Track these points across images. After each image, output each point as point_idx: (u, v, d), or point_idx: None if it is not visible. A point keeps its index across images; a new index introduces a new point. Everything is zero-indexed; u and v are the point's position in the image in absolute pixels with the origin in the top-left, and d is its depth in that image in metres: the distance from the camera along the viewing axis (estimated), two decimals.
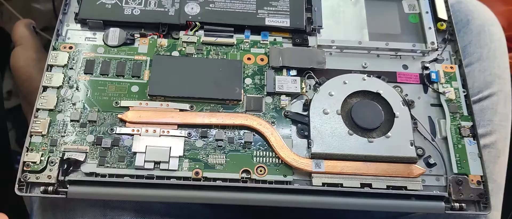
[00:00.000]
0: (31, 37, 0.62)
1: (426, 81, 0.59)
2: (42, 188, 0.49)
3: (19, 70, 0.61)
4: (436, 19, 0.63)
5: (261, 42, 0.60)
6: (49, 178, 0.49)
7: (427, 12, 0.63)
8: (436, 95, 0.58)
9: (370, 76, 0.57)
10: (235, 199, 0.50)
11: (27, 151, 0.50)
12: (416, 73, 0.59)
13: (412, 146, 0.53)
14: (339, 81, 0.57)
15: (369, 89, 0.56)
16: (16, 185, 0.49)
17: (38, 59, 0.62)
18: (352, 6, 0.64)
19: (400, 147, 0.53)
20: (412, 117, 0.55)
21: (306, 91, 0.57)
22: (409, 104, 0.56)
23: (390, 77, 0.59)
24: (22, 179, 0.49)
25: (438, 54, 0.61)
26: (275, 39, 0.60)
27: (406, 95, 0.58)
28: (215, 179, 0.51)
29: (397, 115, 0.55)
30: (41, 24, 0.99)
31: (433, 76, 0.58)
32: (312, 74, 0.57)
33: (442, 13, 0.63)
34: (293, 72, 0.57)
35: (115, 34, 0.58)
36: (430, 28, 0.62)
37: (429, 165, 0.54)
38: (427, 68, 0.60)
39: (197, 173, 0.51)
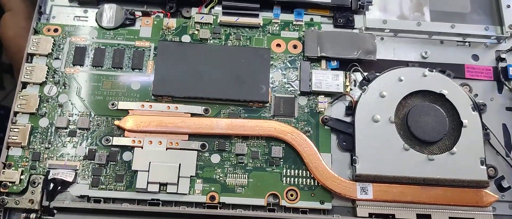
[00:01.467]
0: (21, 1, 0.55)
1: (501, 77, 0.48)
2: (23, 215, 0.41)
3: (9, 41, 0.55)
4: None
5: (295, 22, 0.49)
6: (31, 203, 0.41)
7: None
8: None
9: (432, 71, 0.46)
10: None
11: (4, 168, 0.41)
12: (488, 67, 0.49)
13: (482, 165, 0.43)
14: (393, 77, 0.46)
15: (430, 89, 0.46)
16: None
17: (29, 27, 0.52)
18: None
19: (468, 167, 0.44)
20: (484, 126, 0.45)
21: (351, 89, 0.46)
22: (480, 108, 0.45)
23: (456, 71, 0.48)
24: None
25: None
26: (312, 19, 0.50)
27: (476, 95, 0.48)
28: (235, 206, 0.42)
29: (465, 124, 0.45)
30: None
31: (511, 71, 0.48)
32: (359, 68, 0.47)
33: None
34: (335, 64, 0.47)
35: (111, 12, 0.47)
36: (508, 6, 0.51)
37: (502, 189, 0.45)
38: (503, 59, 0.49)
39: (212, 197, 0.42)
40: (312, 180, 0.43)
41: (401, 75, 0.46)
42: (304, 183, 0.43)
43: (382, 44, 0.49)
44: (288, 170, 0.43)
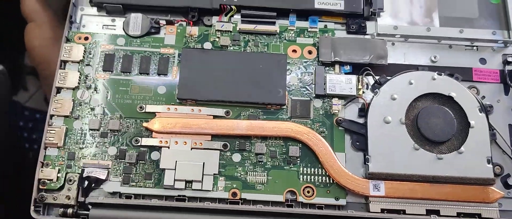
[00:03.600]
0: (44, 11, 0.55)
1: (508, 80, 0.50)
2: (60, 210, 0.43)
3: (34, 50, 0.55)
4: None
5: (309, 29, 0.51)
6: (68, 199, 0.44)
7: None
8: None
9: (441, 75, 0.48)
10: None
11: (42, 166, 0.44)
12: (495, 70, 0.50)
13: (489, 164, 0.45)
14: (403, 80, 0.48)
15: (439, 92, 0.47)
16: (32, 207, 0.43)
17: (54, 37, 0.55)
18: None
19: (475, 166, 0.45)
20: (490, 127, 0.47)
21: (363, 92, 0.48)
22: (487, 110, 0.47)
23: (464, 74, 0.50)
24: (38, 199, 0.43)
25: None
26: (326, 26, 0.51)
27: (483, 97, 0.49)
28: (255, 202, 0.44)
29: (472, 125, 0.46)
30: None
31: None
32: (371, 72, 0.48)
33: None
34: (348, 68, 0.49)
35: (137, 21, 0.49)
36: None
37: (508, 186, 0.47)
38: (509, 63, 0.51)
39: (234, 194, 0.44)
40: (327, 178, 0.45)
41: (411, 79, 0.47)
42: (320, 180, 0.45)
43: (393, 49, 0.50)
44: (305, 169, 0.45)
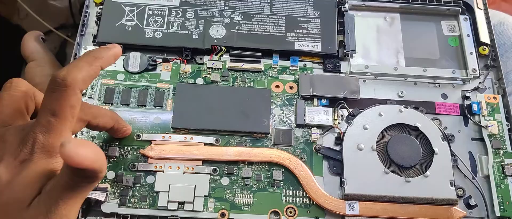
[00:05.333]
0: (44, 51, 0.58)
1: (467, 112, 0.55)
2: None
3: (36, 86, 0.58)
4: (478, 43, 0.59)
5: (291, 67, 0.56)
6: None
7: (468, 35, 0.59)
8: (477, 128, 0.54)
9: (407, 107, 0.53)
10: None
11: None
12: (456, 104, 0.56)
13: (452, 186, 0.50)
14: (374, 112, 0.53)
15: (406, 122, 0.53)
16: None
17: None
18: (387, 27, 0.60)
19: (440, 188, 0.50)
20: (452, 154, 0.52)
21: (339, 123, 0.53)
22: (449, 139, 0.52)
23: (428, 107, 0.55)
24: None
25: (479, 82, 0.57)
26: (305, 65, 0.57)
27: (446, 128, 0.54)
28: None
29: (436, 152, 0.51)
30: (58, 21, 0.96)
31: (475, 107, 0.55)
32: (345, 105, 0.54)
33: (484, 36, 0.59)
34: (325, 102, 0.54)
35: (135, 59, 0.55)
36: (471, 53, 0.58)
37: (470, 207, 0.51)
38: (467, 97, 0.56)
39: (223, 214, 0.48)
40: (307, 199, 0.49)
41: (381, 111, 0.53)
42: (301, 201, 0.49)
43: (365, 85, 0.56)
44: (287, 191, 0.50)
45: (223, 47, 0.55)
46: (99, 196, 0.48)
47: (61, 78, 0.35)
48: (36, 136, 0.35)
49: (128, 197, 0.48)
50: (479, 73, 0.57)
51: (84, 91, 0.52)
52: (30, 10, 0.90)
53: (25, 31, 1.03)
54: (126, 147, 0.50)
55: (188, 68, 0.55)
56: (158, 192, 0.48)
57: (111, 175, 0.49)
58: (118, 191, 0.48)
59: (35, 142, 0.35)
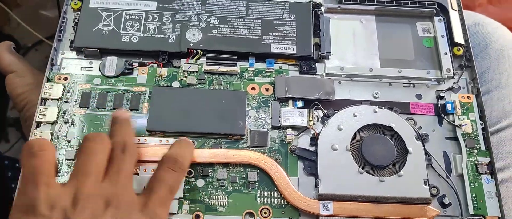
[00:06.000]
0: (20, 61, 0.58)
1: (441, 112, 0.55)
2: None
3: (18, 97, 0.58)
4: (452, 44, 0.59)
5: (266, 70, 0.57)
6: None
7: (442, 36, 0.60)
8: (451, 127, 0.55)
9: (381, 108, 0.54)
10: None
11: None
12: (430, 104, 0.56)
13: (426, 185, 0.50)
14: (348, 113, 0.54)
15: (380, 122, 0.53)
16: None
17: (35, 83, 0.58)
18: (362, 29, 0.61)
19: (413, 187, 0.50)
20: (426, 153, 0.52)
21: (314, 124, 0.54)
22: (423, 138, 0.53)
23: (403, 108, 0.55)
24: None
25: (454, 82, 0.58)
26: (281, 67, 0.57)
27: (420, 128, 0.54)
28: None
29: (410, 151, 0.52)
30: (49, 31, 0.97)
31: (449, 107, 0.55)
32: (320, 106, 0.54)
33: (459, 37, 0.59)
34: (300, 104, 0.55)
35: (112, 64, 0.55)
36: (446, 53, 0.58)
37: (444, 205, 0.51)
38: (442, 98, 0.56)
39: (197, 216, 0.48)
40: (282, 200, 0.50)
41: (355, 112, 0.53)
42: (276, 202, 0.50)
43: (340, 86, 0.56)
44: (262, 192, 0.50)
45: (199, 51, 0.56)
46: None
47: (181, 161, 0.45)
48: (155, 208, 0.42)
49: None
50: (454, 73, 0.57)
51: (60, 95, 0.53)
52: (21, 20, 0.91)
53: (17, 41, 1.03)
54: None
55: (164, 71, 0.55)
56: None
57: None
58: None
59: (155, 215, 0.41)
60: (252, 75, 0.56)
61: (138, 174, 0.49)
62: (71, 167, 0.50)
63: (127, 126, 0.46)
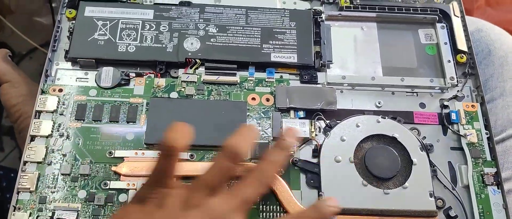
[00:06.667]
0: (15, 71, 0.57)
1: (445, 122, 0.54)
2: None
3: (13, 108, 0.56)
4: (455, 51, 0.58)
5: (267, 79, 0.55)
6: None
7: (445, 43, 0.59)
8: (456, 137, 0.54)
9: (385, 118, 0.53)
10: None
11: (14, 210, 0.46)
12: (434, 113, 0.55)
13: (431, 197, 0.49)
14: (351, 124, 0.52)
15: (384, 133, 0.52)
16: None
17: (30, 93, 0.57)
18: (364, 36, 0.60)
19: (419, 200, 0.49)
20: (431, 164, 0.51)
21: (316, 135, 0.52)
22: (427, 149, 0.52)
23: (406, 117, 0.54)
24: None
25: (458, 90, 0.56)
26: (281, 76, 0.56)
27: (424, 138, 0.53)
28: None
29: (415, 162, 0.50)
30: (44, 38, 0.96)
31: (453, 116, 0.54)
32: (322, 116, 0.53)
33: (462, 44, 0.58)
34: (301, 114, 0.53)
35: (108, 74, 0.54)
36: (449, 61, 0.57)
37: (450, 218, 0.50)
38: (446, 106, 0.55)
39: None
40: (285, 214, 0.48)
41: (358, 122, 0.52)
42: (278, 216, 0.48)
43: (342, 96, 0.55)
44: (264, 206, 0.48)
45: (198, 60, 0.55)
46: (70, 216, 0.46)
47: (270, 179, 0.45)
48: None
49: (100, 217, 0.47)
50: (457, 81, 0.56)
51: (55, 108, 0.51)
52: (15, 27, 0.89)
53: (11, 49, 1.01)
54: (97, 165, 0.49)
55: (162, 82, 0.54)
56: None
57: (82, 194, 0.48)
58: (90, 210, 0.47)
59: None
60: (252, 84, 0.55)
61: (136, 189, 0.48)
62: (67, 182, 0.48)
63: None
